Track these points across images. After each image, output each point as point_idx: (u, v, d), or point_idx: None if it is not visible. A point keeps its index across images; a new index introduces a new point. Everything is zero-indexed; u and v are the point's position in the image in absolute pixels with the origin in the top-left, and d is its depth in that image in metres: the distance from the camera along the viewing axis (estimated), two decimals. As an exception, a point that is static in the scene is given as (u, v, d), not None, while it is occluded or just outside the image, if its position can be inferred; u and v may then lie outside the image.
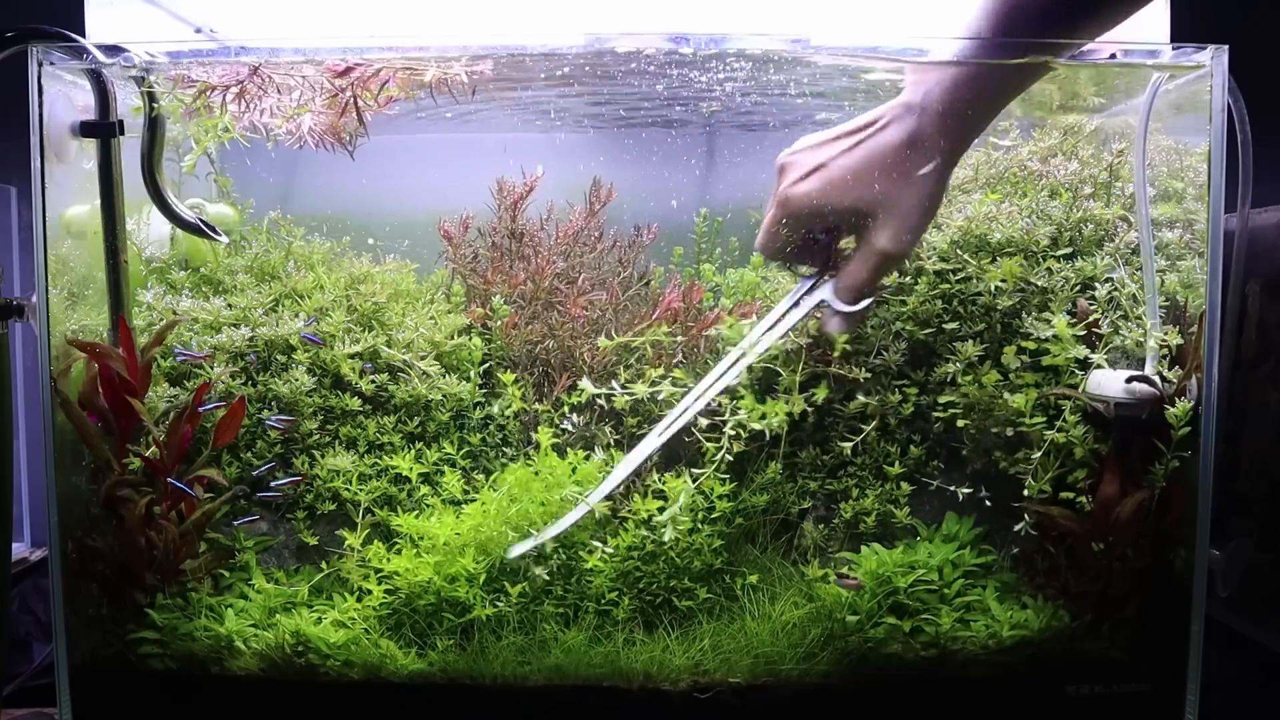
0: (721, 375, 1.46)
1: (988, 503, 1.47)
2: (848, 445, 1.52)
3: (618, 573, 1.46)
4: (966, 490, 1.47)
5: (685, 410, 1.46)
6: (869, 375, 1.53)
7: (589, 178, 1.76)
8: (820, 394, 1.50)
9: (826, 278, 1.43)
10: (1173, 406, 1.36)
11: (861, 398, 1.52)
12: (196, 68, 1.41)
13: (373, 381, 1.58)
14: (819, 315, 1.45)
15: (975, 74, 1.31)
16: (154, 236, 1.71)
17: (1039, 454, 1.41)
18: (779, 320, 1.45)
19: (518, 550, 1.44)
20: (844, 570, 1.45)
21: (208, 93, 1.41)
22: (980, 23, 1.29)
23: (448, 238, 1.74)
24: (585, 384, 1.53)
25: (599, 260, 1.74)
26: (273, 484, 1.51)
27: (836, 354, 1.52)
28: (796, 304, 1.45)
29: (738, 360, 1.46)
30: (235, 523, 1.51)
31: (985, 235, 1.55)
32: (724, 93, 1.53)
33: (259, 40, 1.37)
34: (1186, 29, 1.61)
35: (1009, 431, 1.45)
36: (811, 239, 1.42)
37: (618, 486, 1.45)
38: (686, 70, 1.43)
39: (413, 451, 1.56)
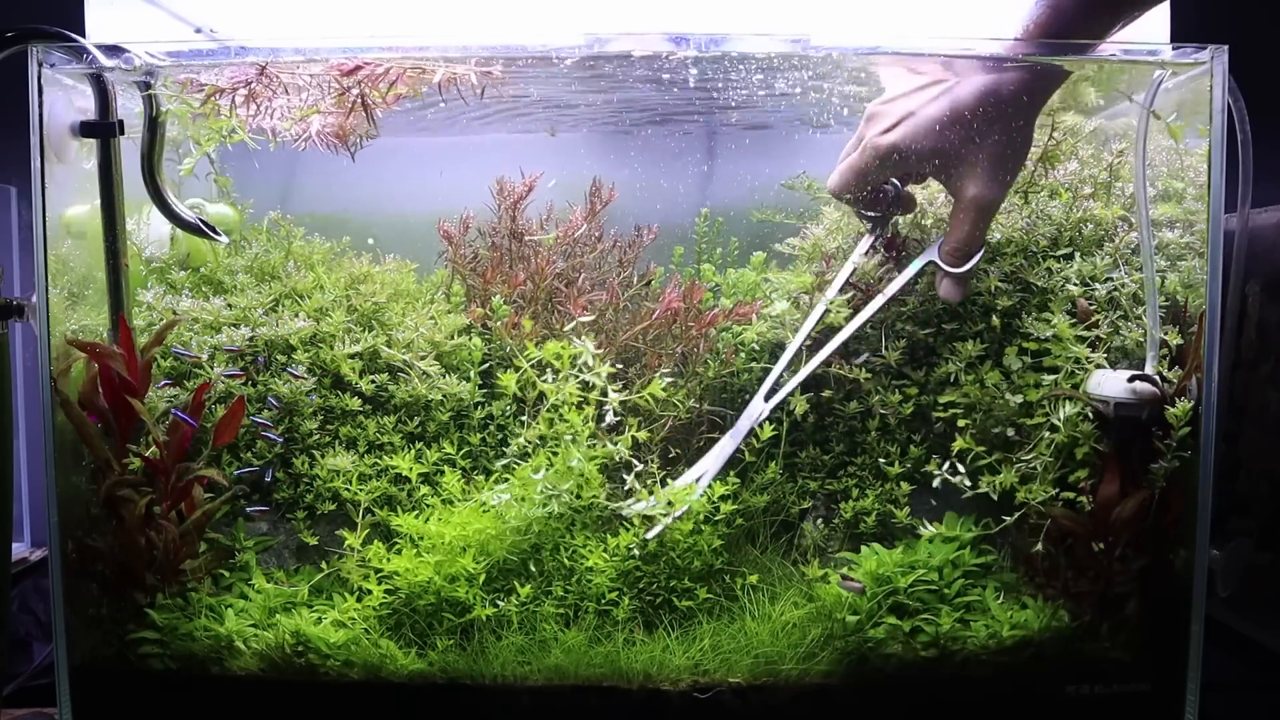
0: (809, 332, 1.51)
1: (963, 481, 1.47)
2: (872, 430, 1.54)
3: (618, 572, 1.46)
4: (963, 482, 1.47)
5: (781, 372, 1.51)
6: (870, 375, 1.54)
7: (589, 178, 1.76)
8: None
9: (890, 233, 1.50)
10: (1173, 406, 1.36)
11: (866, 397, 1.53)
12: (204, 71, 1.41)
13: (372, 382, 1.58)
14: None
15: (1056, 20, 1.31)
16: (154, 236, 1.71)
17: (1047, 456, 1.41)
18: (852, 272, 1.51)
19: (636, 508, 1.46)
20: (846, 571, 1.45)
21: (216, 96, 1.41)
22: None
23: (447, 238, 1.74)
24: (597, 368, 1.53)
25: (599, 260, 1.74)
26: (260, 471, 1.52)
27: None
28: (870, 250, 1.52)
29: (822, 315, 1.51)
30: (244, 494, 1.52)
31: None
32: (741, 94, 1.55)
33: (259, 40, 1.37)
34: (1186, 29, 1.61)
35: (1010, 431, 1.45)
36: (882, 185, 1.46)
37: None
38: (693, 70, 1.43)
39: (413, 451, 1.56)
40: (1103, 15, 1.32)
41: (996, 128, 1.35)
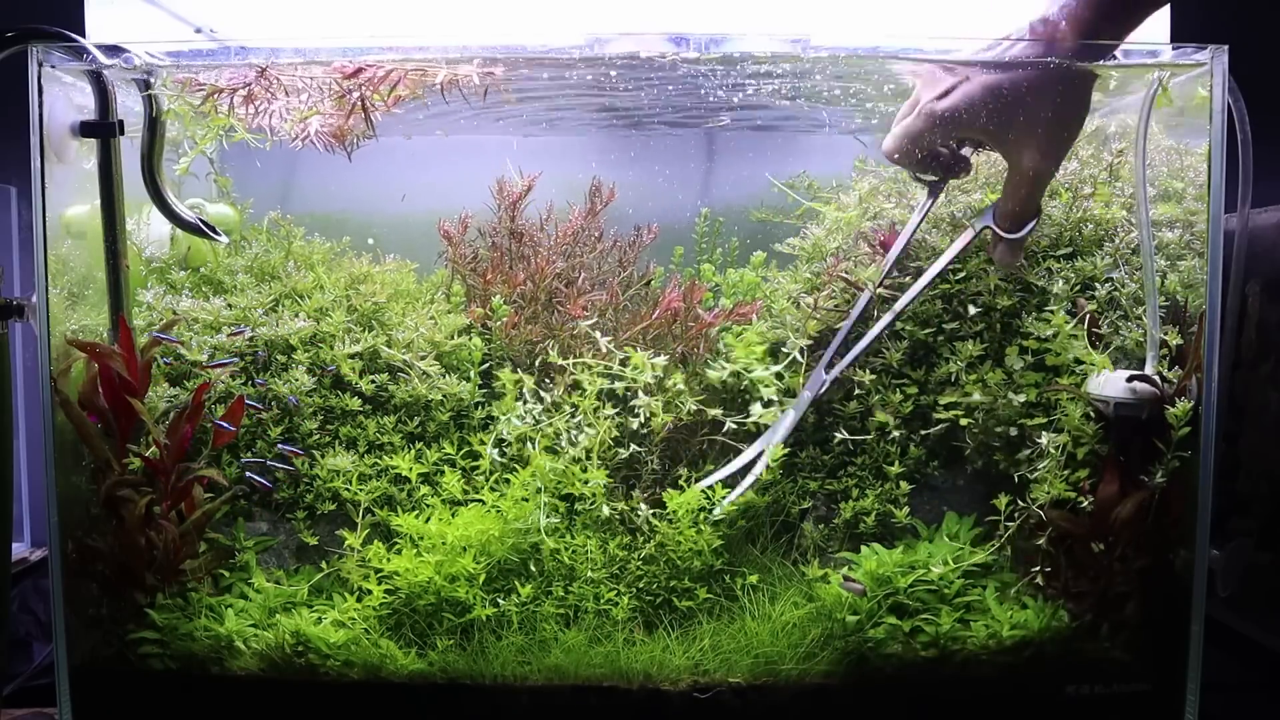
0: (875, 290, 1.52)
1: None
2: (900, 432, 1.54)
3: (609, 574, 1.46)
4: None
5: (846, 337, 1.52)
6: (873, 376, 1.54)
7: (589, 178, 1.76)
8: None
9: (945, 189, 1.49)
10: (1173, 406, 1.36)
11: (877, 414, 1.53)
12: (204, 71, 1.41)
13: (372, 382, 1.58)
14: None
15: (1075, 30, 1.31)
16: (154, 236, 1.71)
17: (1060, 457, 1.41)
18: (912, 234, 1.51)
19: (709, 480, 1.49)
20: (848, 573, 1.45)
21: (216, 96, 1.41)
22: None
23: (447, 238, 1.74)
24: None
25: (599, 260, 1.74)
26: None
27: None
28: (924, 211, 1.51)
29: (883, 279, 1.52)
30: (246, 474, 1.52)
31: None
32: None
33: (259, 40, 1.37)
34: (1186, 29, 1.61)
35: (1011, 431, 1.45)
36: (938, 151, 1.46)
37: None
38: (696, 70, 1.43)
39: (413, 451, 1.56)
40: (1119, 23, 1.32)
41: (1051, 95, 1.34)
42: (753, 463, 1.52)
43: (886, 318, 1.48)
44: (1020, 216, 1.42)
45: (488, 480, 1.54)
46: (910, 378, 1.55)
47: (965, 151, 1.48)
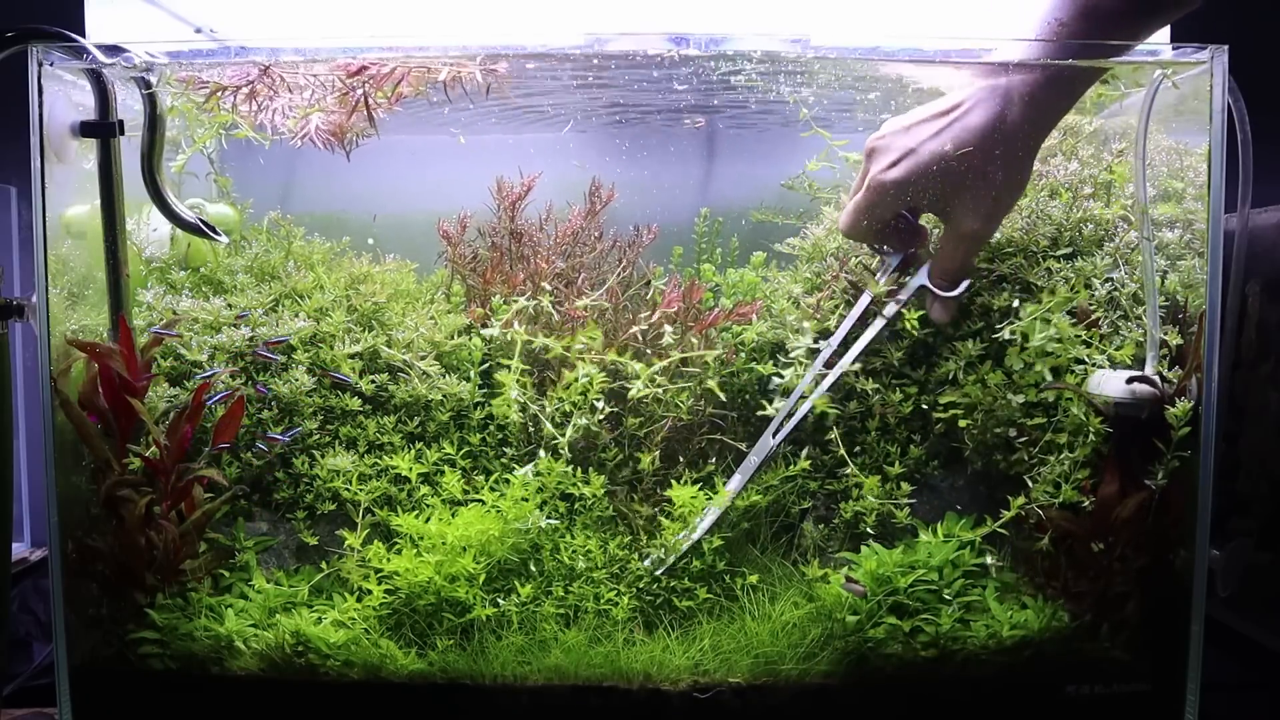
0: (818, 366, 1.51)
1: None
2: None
3: (610, 575, 1.46)
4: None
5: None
6: (872, 376, 1.53)
7: (588, 178, 1.76)
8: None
9: (915, 261, 1.48)
10: (1173, 406, 1.36)
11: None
12: (206, 69, 1.41)
13: (372, 382, 1.58)
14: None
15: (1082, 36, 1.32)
16: (154, 236, 1.71)
17: (1073, 456, 1.41)
18: (869, 304, 1.50)
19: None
20: (849, 573, 1.44)
21: (219, 94, 1.41)
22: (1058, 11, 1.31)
23: (446, 238, 1.74)
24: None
25: (599, 260, 1.74)
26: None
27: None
28: (884, 282, 1.49)
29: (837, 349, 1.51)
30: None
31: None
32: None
33: (259, 40, 1.37)
34: (1187, 29, 1.61)
35: (1011, 431, 1.45)
36: (896, 222, 1.47)
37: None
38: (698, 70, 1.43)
39: (413, 451, 1.56)
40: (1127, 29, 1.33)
41: (997, 163, 1.36)
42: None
43: (826, 382, 1.48)
44: (956, 275, 1.44)
45: (488, 479, 1.54)
46: (910, 378, 1.55)
47: (923, 220, 1.49)
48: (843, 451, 1.51)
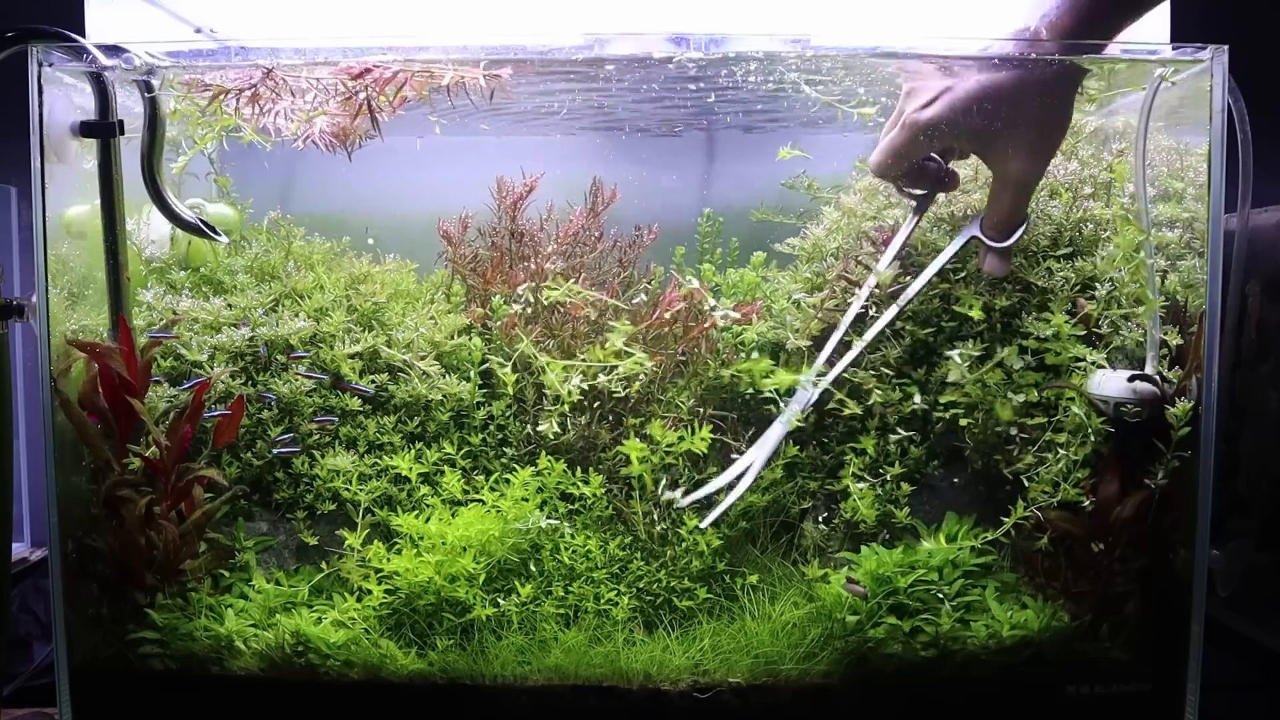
0: (864, 301, 1.51)
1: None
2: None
3: (610, 574, 1.46)
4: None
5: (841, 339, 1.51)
6: (872, 375, 1.53)
7: (589, 178, 1.76)
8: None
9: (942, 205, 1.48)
10: (1173, 406, 1.36)
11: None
12: (207, 71, 1.41)
13: (372, 382, 1.58)
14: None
15: (1074, 23, 1.30)
16: (154, 236, 1.71)
17: (1075, 455, 1.41)
18: (903, 246, 1.49)
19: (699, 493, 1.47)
20: (849, 574, 1.44)
21: (222, 96, 1.41)
22: None
23: (447, 238, 1.74)
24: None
25: (599, 260, 1.74)
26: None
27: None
28: (915, 226, 1.49)
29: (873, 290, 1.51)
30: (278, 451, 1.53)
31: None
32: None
33: (259, 40, 1.37)
34: (1186, 29, 1.61)
35: (1011, 431, 1.45)
36: (924, 162, 1.45)
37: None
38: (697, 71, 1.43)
39: (413, 451, 1.56)
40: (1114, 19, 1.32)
41: (1034, 102, 1.33)
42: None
43: (868, 334, 1.47)
44: (1008, 224, 1.41)
45: (488, 479, 1.54)
46: (910, 377, 1.55)
47: (955, 164, 1.48)
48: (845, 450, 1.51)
